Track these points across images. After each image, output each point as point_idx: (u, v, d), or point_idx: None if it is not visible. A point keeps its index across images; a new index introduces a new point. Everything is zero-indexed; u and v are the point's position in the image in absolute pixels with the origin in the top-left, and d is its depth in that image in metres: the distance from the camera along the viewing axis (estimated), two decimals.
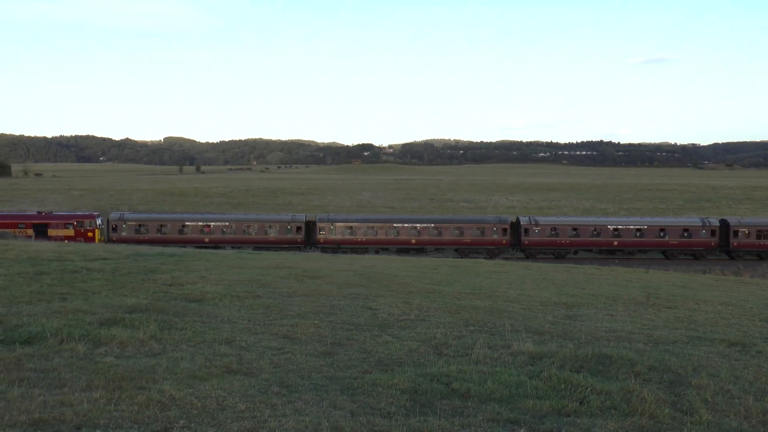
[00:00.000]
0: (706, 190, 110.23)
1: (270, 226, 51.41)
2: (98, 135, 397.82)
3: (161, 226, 51.11)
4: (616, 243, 49.35)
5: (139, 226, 50.95)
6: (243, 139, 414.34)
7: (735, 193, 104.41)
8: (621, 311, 13.91)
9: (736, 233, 48.88)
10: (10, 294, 12.34)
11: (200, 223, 51.66)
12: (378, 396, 7.02)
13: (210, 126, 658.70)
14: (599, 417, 6.62)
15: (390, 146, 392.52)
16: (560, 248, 49.15)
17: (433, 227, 51.00)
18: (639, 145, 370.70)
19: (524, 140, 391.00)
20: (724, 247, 49.35)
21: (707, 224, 49.88)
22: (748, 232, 48.86)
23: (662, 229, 49.60)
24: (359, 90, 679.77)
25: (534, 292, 16.48)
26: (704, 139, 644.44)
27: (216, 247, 44.96)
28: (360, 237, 50.80)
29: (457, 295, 14.94)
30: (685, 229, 49.70)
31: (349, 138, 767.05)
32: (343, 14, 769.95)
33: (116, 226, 50.86)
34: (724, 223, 49.98)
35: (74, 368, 7.59)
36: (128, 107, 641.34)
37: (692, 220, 52.48)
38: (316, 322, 10.75)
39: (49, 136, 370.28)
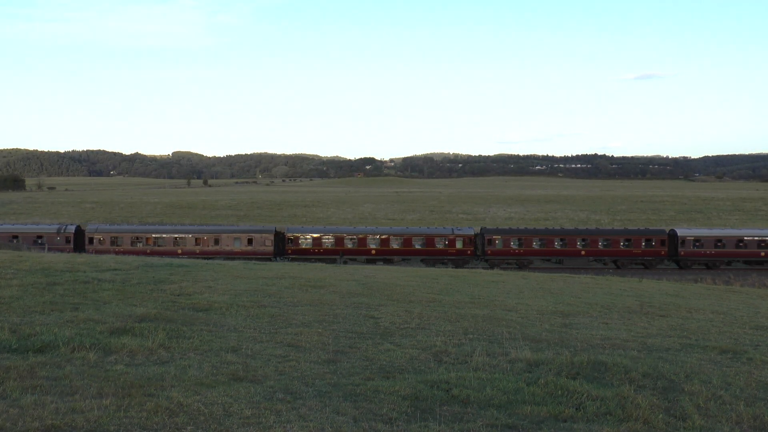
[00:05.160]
0: (697, 201, 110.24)
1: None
2: (109, 150, 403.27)
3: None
4: None
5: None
6: (249, 153, 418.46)
7: (725, 205, 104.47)
8: (616, 319, 14.04)
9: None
10: (24, 304, 12.42)
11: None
12: (380, 402, 7.13)
13: (217, 140, 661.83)
14: (595, 422, 6.73)
15: (391, 160, 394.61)
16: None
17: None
18: (632, 158, 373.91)
19: (521, 154, 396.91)
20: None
21: (62, 231, 52.67)
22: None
23: (15, 236, 51.34)
24: (361, 105, 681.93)
25: (531, 301, 16.56)
26: (695, 152, 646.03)
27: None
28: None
29: (457, 304, 15.03)
30: (39, 236, 51.96)
31: (352, 152, 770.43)
32: (345, 33, 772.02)
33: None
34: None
35: (85, 376, 7.71)
36: (138, 123, 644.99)
37: (50, 227, 54.75)
38: (320, 330, 10.87)
39: (62, 150, 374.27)
